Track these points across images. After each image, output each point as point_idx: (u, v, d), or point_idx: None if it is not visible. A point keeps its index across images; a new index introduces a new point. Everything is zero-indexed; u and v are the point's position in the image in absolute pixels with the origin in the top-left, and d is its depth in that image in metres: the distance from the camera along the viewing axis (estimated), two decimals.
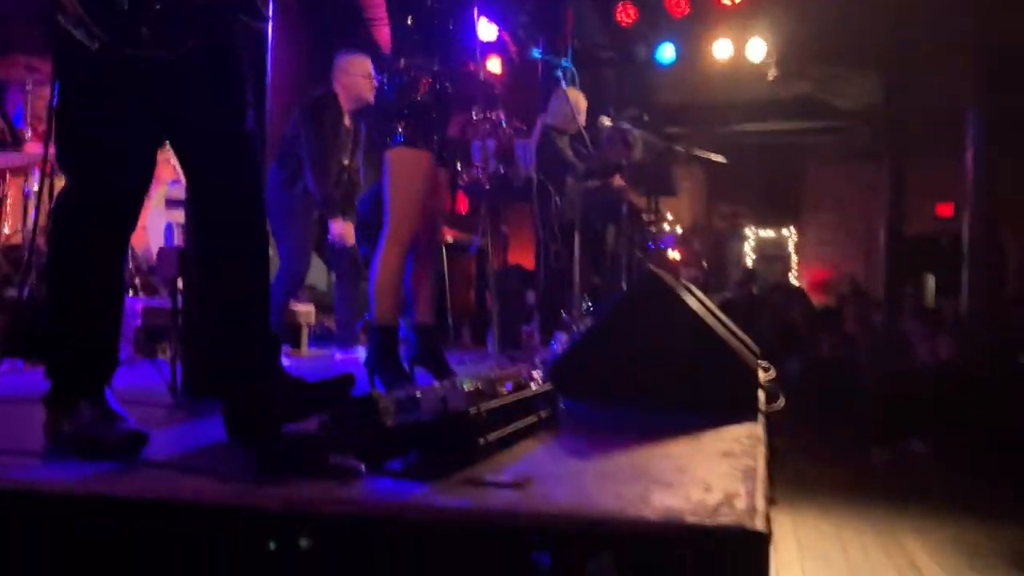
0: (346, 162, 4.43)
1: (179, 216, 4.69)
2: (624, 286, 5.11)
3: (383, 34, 3.17)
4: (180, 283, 2.61)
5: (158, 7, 1.82)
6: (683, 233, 11.95)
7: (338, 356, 4.50)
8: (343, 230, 4.39)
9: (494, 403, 1.84)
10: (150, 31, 1.82)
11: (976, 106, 7.77)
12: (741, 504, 1.40)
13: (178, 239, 4.67)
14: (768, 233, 14.29)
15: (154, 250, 4.60)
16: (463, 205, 6.15)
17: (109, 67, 1.84)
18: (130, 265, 4.11)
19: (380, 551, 1.37)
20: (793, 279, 14.10)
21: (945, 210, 11.76)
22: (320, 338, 6.03)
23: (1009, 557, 4.55)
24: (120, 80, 1.86)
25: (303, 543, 1.37)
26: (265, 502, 1.42)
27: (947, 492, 5.87)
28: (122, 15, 1.79)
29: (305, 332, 5.10)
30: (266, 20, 2.05)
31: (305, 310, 5.18)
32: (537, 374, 2.44)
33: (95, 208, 1.90)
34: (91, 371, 1.91)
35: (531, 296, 6.43)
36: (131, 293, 4.29)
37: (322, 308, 6.26)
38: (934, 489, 6.00)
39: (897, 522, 5.14)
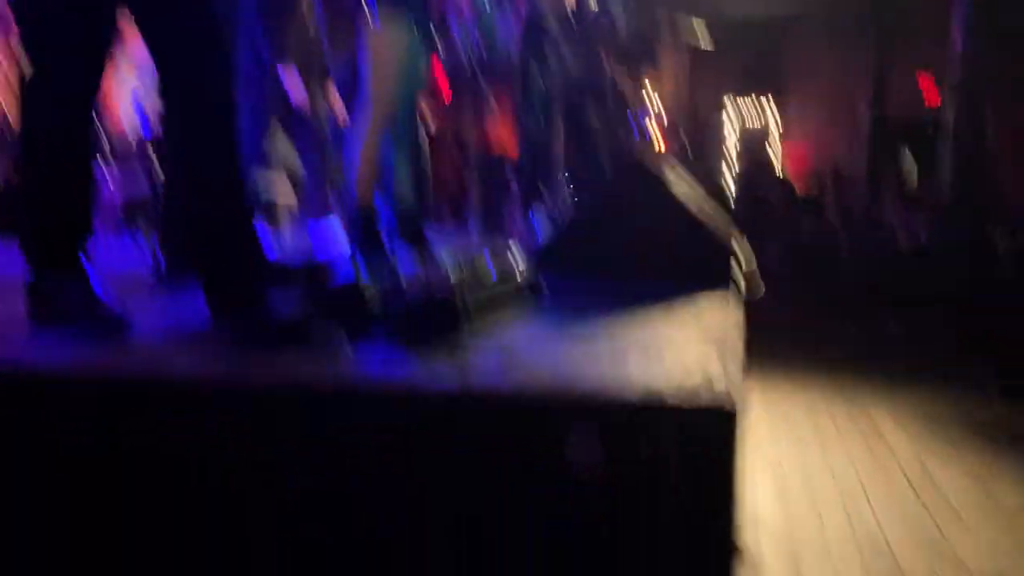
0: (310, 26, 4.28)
1: (155, 103, 4.57)
2: (606, 164, 5.09)
3: None
4: (156, 165, 2.57)
5: None
6: (668, 119, 11.82)
7: (310, 225, 4.45)
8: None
9: (477, 283, 1.86)
10: None
11: None
12: (719, 383, 1.43)
13: (154, 124, 4.56)
14: (749, 106, 14.16)
15: (129, 132, 4.50)
16: (446, 92, 6.04)
17: None
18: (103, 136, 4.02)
19: (368, 428, 1.40)
20: (775, 160, 14.05)
21: (931, 93, 11.65)
22: (298, 217, 5.99)
23: (968, 424, 4.73)
24: None
25: (293, 419, 1.40)
26: (254, 379, 1.44)
27: (917, 368, 6.05)
28: None
29: (283, 210, 5.06)
30: None
31: (283, 187, 5.13)
32: (521, 255, 2.45)
33: (60, 80, 1.86)
34: (69, 247, 1.89)
35: (513, 179, 6.40)
36: (104, 165, 4.19)
37: (297, 184, 6.19)
38: (905, 366, 6.18)
39: (866, 394, 5.31)
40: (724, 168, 12.80)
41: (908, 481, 3.90)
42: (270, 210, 4.88)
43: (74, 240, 1.90)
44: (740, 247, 3.46)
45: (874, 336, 7.19)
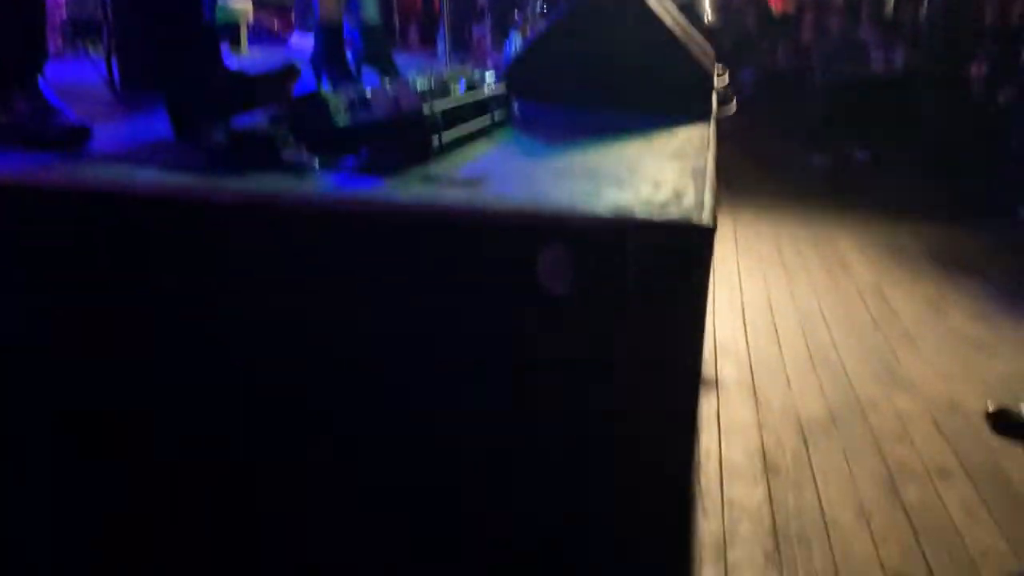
0: None
1: None
2: None
3: None
4: None
5: None
6: None
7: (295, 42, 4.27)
8: None
9: (447, 102, 1.81)
10: None
11: None
12: (689, 200, 1.43)
13: None
14: None
15: None
16: None
17: None
18: None
19: (335, 245, 1.39)
20: None
21: None
22: (259, 36, 5.76)
23: (927, 253, 4.85)
24: None
25: (259, 235, 1.39)
26: (220, 194, 1.42)
27: (883, 197, 6.12)
28: None
29: (244, 30, 4.85)
30: None
31: (243, 7, 4.89)
32: (490, 75, 2.38)
33: None
34: (20, 61, 1.80)
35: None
36: None
37: (260, 4, 5.91)
38: (870, 195, 6.25)
39: (831, 224, 5.39)
40: None
41: (867, 308, 4.03)
42: (233, 31, 4.68)
43: (29, 62, 1.80)
44: (716, 70, 3.40)
45: (842, 164, 7.22)
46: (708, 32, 4.83)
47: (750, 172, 6.69)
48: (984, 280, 4.43)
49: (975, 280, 4.42)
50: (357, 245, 1.40)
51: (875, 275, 4.49)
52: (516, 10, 5.07)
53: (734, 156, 6.89)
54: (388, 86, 1.78)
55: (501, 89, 2.21)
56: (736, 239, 4.97)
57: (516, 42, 4.17)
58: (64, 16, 3.52)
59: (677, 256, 1.33)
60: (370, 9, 3.13)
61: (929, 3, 7.73)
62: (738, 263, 4.57)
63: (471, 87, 2.06)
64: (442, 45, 4.51)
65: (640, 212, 1.36)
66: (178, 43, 1.94)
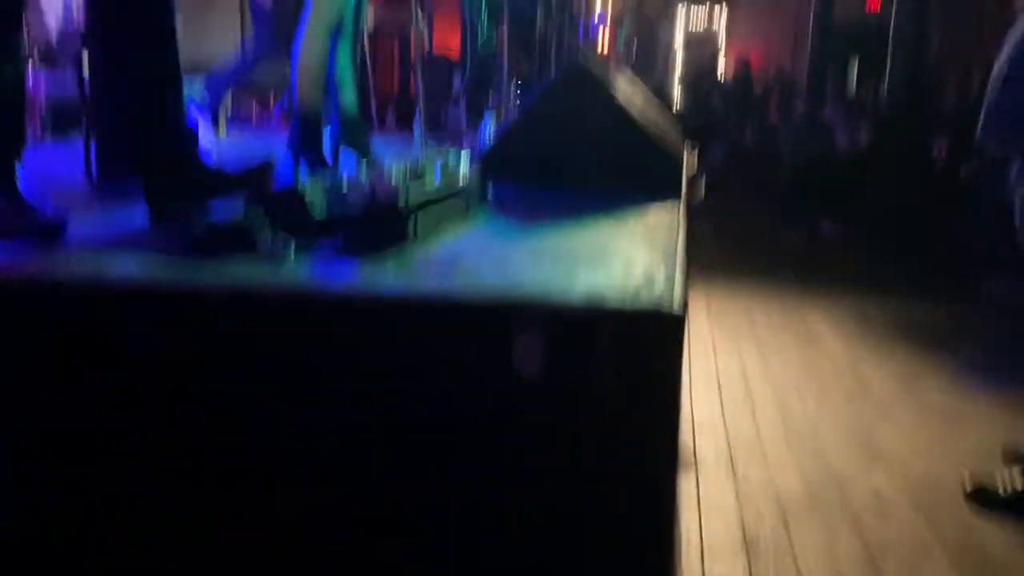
0: None
1: None
2: (553, 70, 5.02)
3: None
4: (86, 60, 2.47)
5: None
6: (613, 16, 11.65)
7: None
8: None
9: (422, 190, 1.84)
10: None
11: None
12: (660, 285, 1.46)
13: (77, 16, 4.34)
14: (699, 14, 14.01)
15: (53, 24, 4.29)
16: None
17: None
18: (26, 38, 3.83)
19: (312, 332, 1.40)
20: (720, 65, 14.02)
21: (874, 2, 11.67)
22: (236, 119, 5.84)
23: (897, 325, 4.92)
24: None
25: (236, 324, 1.40)
26: (197, 282, 1.43)
27: (850, 270, 6.23)
28: None
29: (223, 116, 4.92)
30: None
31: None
32: (465, 156, 2.43)
33: None
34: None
35: (458, 81, 6.28)
36: (31, 67, 4.02)
37: (238, 89, 6.02)
38: (840, 269, 6.35)
39: (803, 298, 5.46)
40: (670, 72, 12.73)
41: (841, 382, 4.06)
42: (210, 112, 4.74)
43: (6, 154, 1.82)
44: (685, 152, 3.48)
45: (812, 238, 7.35)
46: (678, 113, 4.97)
47: (722, 247, 6.79)
48: (955, 352, 4.49)
49: (946, 352, 4.48)
50: (332, 332, 1.41)
51: (847, 348, 4.54)
52: (490, 92, 5.20)
53: (706, 231, 6.99)
54: (364, 174, 1.82)
55: (476, 173, 2.26)
56: (710, 313, 5.02)
57: (491, 124, 4.27)
58: (43, 103, 3.57)
59: (649, 344, 1.35)
60: (348, 95, 3.19)
61: (889, 83, 8.00)
62: (712, 337, 4.61)
63: (446, 173, 2.10)
64: (418, 127, 4.60)
65: (612, 299, 1.39)
66: (154, 135, 1.97)
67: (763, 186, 8.58)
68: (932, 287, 5.72)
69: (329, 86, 3.13)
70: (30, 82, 3.63)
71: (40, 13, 4.48)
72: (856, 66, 11.33)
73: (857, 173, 7.35)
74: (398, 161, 2.15)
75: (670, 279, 1.51)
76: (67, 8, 4.49)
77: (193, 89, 4.60)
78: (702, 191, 3.09)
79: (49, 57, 4.31)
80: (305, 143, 2.95)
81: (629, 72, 6.09)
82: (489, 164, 2.55)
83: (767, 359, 4.34)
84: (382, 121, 6.02)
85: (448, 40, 6.95)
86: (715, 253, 6.49)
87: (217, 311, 1.41)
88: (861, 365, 4.28)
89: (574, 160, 2.64)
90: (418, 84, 5.10)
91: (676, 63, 13.20)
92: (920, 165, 7.19)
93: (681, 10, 13.75)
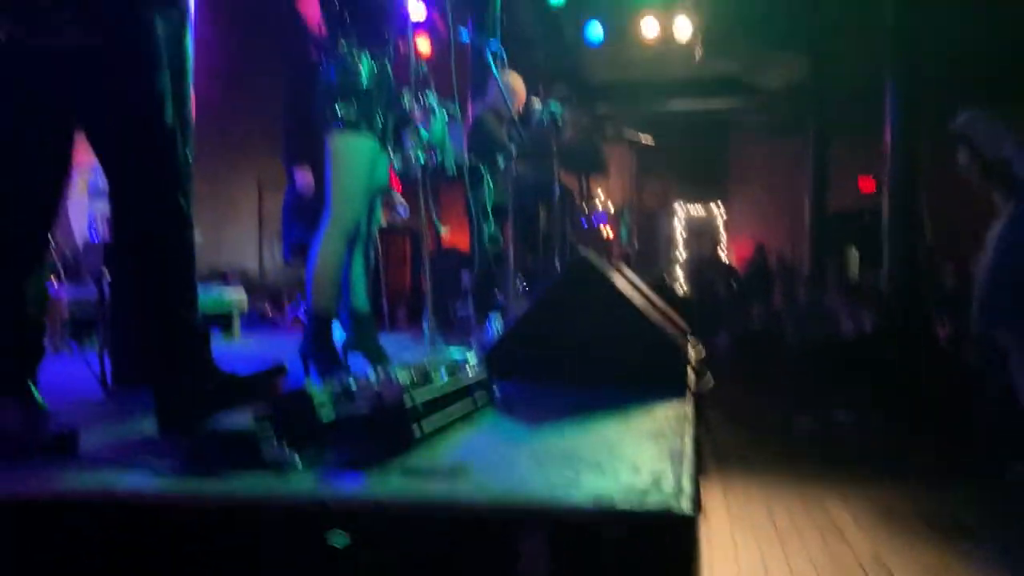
0: None
1: (103, 207, 4.58)
2: (558, 265, 5.17)
3: (309, 9, 3.13)
4: (106, 275, 2.57)
5: None
6: (615, 210, 12.11)
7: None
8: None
9: (429, 392, 1.87)
10: (61, 20, 1.77)
11: (893, 80, 8.00)
12: (669, 487, 1.45)
13: (102, 230, 4.56)
14: (698, 209, 14.53)
15: (78, 239, 4.49)
16: (396, 187, 6.15)
17: (18, 58, 1.78)
18: (53, 254, 4.01)
19: (318, 544, 1.39)
20: (722, 254, 14.38)
21: (867, 185, 12.11)
22: (252, 323, 5.97)
23: (920, 513, 4.77)
24: (31, 71, 1.81)
25: (241, 537, 1.39)
26: (201, 497, 1.43)
27: (868, 458, 6.11)
28: (32, 4, 1.73)
29: (237, 318, 5.05)
30: (182, 10, 2.01)
31: (237, 297, 5.12)
32: (472, 357, 2.47)
33: (13, 202, 1.86)
34: (15, 367, 1.87)
35: (466, 277, 6.45)
36: (55, 281, 4.19)
37: (253, 292, 6.19)
38: (856, 456, 6.24)
39: (822, 488, 5.33)
40: (673, 262, 13.08)
41: None
42: (226, 319, 4.86)
43: (22, 364, 1.88)
44: (690, 343, 3.52)
45: (825, 425, 7.27)
46: (682, 304, 5.06)
47: (736, 436, 6.73)
48: (982, 540, 4.34)
49: (972, 540, 4.33)
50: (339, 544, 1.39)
51: (871, 541, 4.39)
52: (496, 290, 5.33)
53: (718, 421, 6.94)
54: (372, 379, 1.85)
55: (482, 373, 2.29)
56: (728, 507, 4.90)
57: (497, 322, 4.36)
58: (65, 316, 3.68)
59: (661, 546, 1.33)
60: (360, 297, 3.28)
61: (888, 269, 8.17)
62: (731, 531, 4.48)
63: (452, 373, 2.13)
64: (427, 325, 4.69)
65: (620, 502, 1.37)
66: (169, 342, 2.03)
67: (772, 372, 8.59)
68: (952, 472, 5.60)
69: (342, 289, 3.22)
70: (53, 290, 3.77)
71: (68, 229, 4.71)
72: (854, 251, 11.62)
73: (866, 358, 7.38)
74: (406, 362, 2.19)
75: (679, 478, 1.51)
76: (91, 223, 4.72)
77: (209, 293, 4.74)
78: (710, 380, 3.10)
79: (73, 270, 4.48)
80: (317, 345, 3.01)
81: (631, 264, 6.27)
82: (495, 361, 2.59)
83: (789, 553, 4.19)
84: (393, 319, 6.15)
85: (456, 237, 7.21)
86: (729, 443, 6.42)
87: (221, 524, 1.40)
88: (886, 558, 4.13)
89: (579, 355, 2.68)
90: (427, 281, 5.25)
91: (678, 252, 13.57)
92: (926, 348, 7.22)
93: (680, 203, 14.29)
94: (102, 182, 4.62)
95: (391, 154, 3.29)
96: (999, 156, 3.88)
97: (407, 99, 3.22)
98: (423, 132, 3.46)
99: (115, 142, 1.97)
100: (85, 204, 4.74)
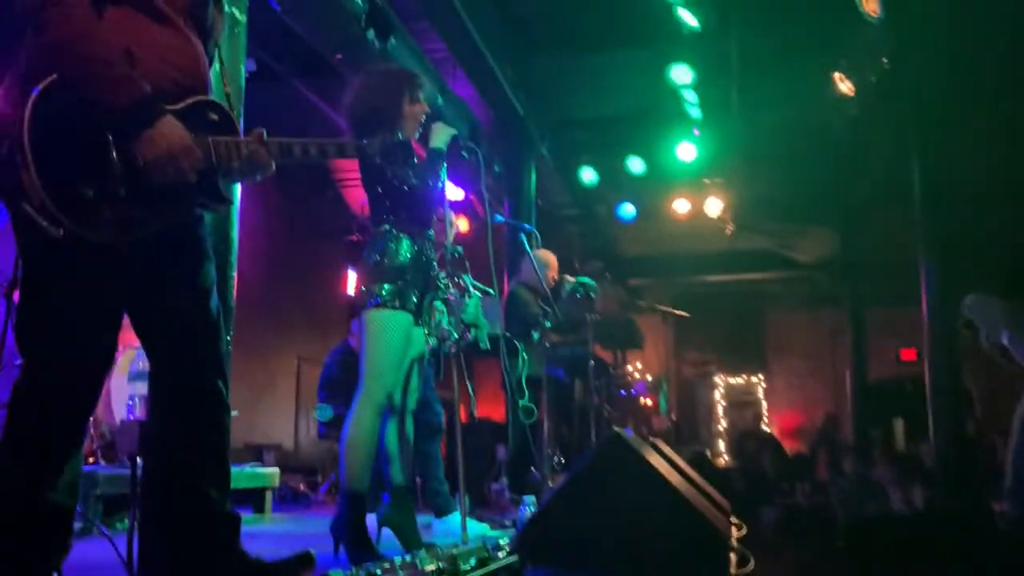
0: None
1: (142, 389, 4.66)
2: (593, 439, 5.10)
3: (352, 194, 3.27)
4: (140, 457, 2.58)
5: (122, 193, 1.85)
6: (652, 381, 12.05)
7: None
8: None
9: None
10: (114, 217, 1.83)
11: (927, 255, 8.05)
12: None
13: (140, 412, 4.62)
14: (737, 380, 14.39)
15: (117, 417, 4.55)
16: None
17: (72, 253, 1.83)
18: (91, 432, 4.06)
19: None
20: (764, 426, 14.10)
21: (908, 355, 11.96)
22: (284, 500, 5.90)
23: None
24: (83, 266, 1.87)
25: None
26: None
27: None
28: (86, 202, 1.80)
29: (269, 495, 5.00)
30: (229, 202, 2.11)
31: (270, 471, 5.09)
32: (504, 539, 2.41)
33: (55, 392, 1.89)
34: (40, 559, 1.85)
35: (500, 451, 6.38)
36: (91, 461, 4.22)
37: (286, 468, 6.15)
38: None
39: None
40: (715, 434, 12.87)
41: None
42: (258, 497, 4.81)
43: (46, 557, 1.86)
44: (732, 522, 3.40)
45: None
46: (722, 478, 4.93)
47: None
48: None
49: None
50: None
51: None
52: (532, 466, 5.24)
53: None
54: (396, 566, 1.81)
55: (513, 558, 2.22)
56: None
57: (531, 503, 4.26)
58: (97, 492, 3.66)
59: None
60: (397, 470, 3.22)
61: (936, 443, 7.93)
62: None
63: (482, 560, 2.08)
64: (460, 502, 4.60)
65: None
66: (198, 526, 2.00)
67: (821, 551, 8.21)
68: None
69: (382, 462, 3.19)
70: (87, 467, 3.78)
71: (108, 407, 4.77)
72: (900, 423, 11.33)
73: (918, 535, 7.04)
74: (434, 551, 2.14)
75: None
76: (131, 403, 4.78)
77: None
78: (752, 564, 2.96)
79: (108, 451, 4.51)
80: (349, 524, 2.95)
81: (671, 435, 6.15)
82: (527, 544, 2.51)
83: None
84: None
85: (490, 409, 7.18)
86: None
87: None
88: None
89: (615, 538, 2.58)
90: (461, 456, 5.20)
91: (719, 426, 13.33)
92: (983, 527, 6.89)
93: (719, 375, 14.18)
94: (143, 364, 4.73)
95: (426, 331, 3.34)
96: (998, 342, 3.90)
97: (442, 279, 3.30)
98: (451, 311, 3.51)
99: (161, 329, 2.03)
100: (124, 383, 4.82)
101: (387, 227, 3.11)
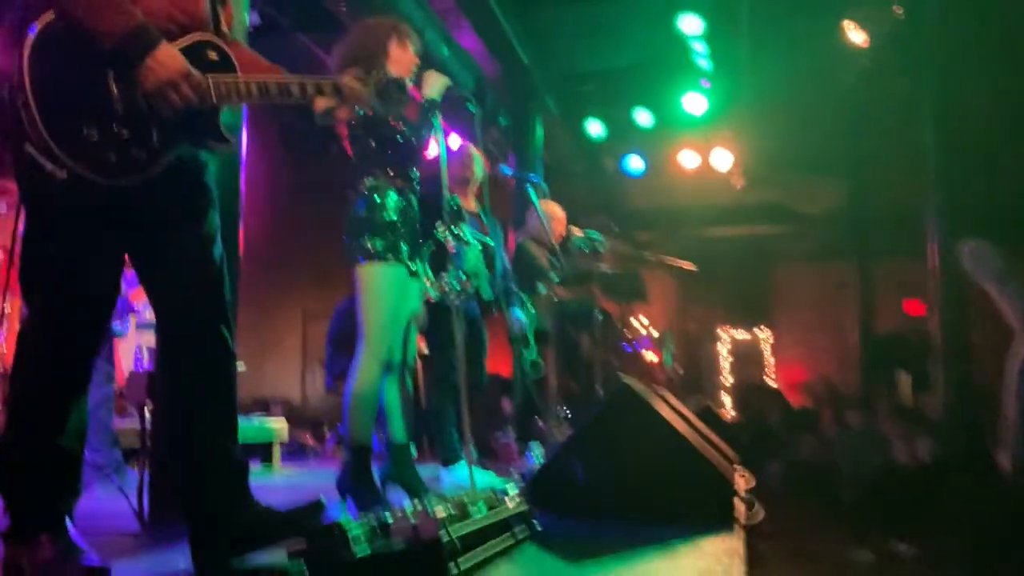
0: None
1: (150, 339, 4.66)
2: (600, 392, 5.11)
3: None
4: (149, 407, 2.58)
5: (125, 134, 1.83)
6: (658, 336, 12.06)
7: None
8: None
9: (467, 526, 1.82)
10: (117, 158, 1.82)
11: (936, 205, 7.98)
12: None
13: (147, 362, 4.63)
14: (742, 335, 14.40)
15: (124, 371, 4.56)
16: None
17: (75, 195, 1.82)
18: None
19: None
20: (769, 380, 14.14)
21: (914, 307, 11.93)
22: (293, 453, 5.94)
23: None
24: (86, 208, 1.86)
25: None
26: None
27: None
28: (90, 142, 1.79)
29: (277, 448, 5.03)
30: (231, 143, 2.08)
31: (277, 426, 5.12)
32: (513, 488, 2.41)
33: (60, 337, 1.88)
34: (51, 503, 1.86)
35: (507, 404, 6.40)
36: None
37: (294, 422, 6.19)
38: None
39: None
40: (719, 388, 12.92)
41: None
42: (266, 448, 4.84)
43: (58, 500, 1.87)
44: (739, 473, 3.41)
45: (885, 560, 6.92)
46: (728, 430, 4.93)
47: (791, 572, 6.43)
48: None
49: None
50: None
51: None
52: (537, 417, 5.26)
53: (771, 555, 6.65)
54: (408, 512, 1.81)
55: (522, 505, 2.23)
56: None
57: (538, 450, 4.28)
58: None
59: None
60: (397, 427, 3.24)
61: (944, 396, 7.94)
62: None
63: (491, 506, 2.08)
64: (467, 454, 4.62)
65: None
66: (207, 473, 2.01)
67: (825, 503, 8.27)
68: None
69: (380, 417, 3.19)
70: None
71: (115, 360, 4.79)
72: (906, 375, 11.34)
73: (924, 487, 7.08)
74: (444, 494, 2.14)
75: None
76: (137, 354, 4.79)
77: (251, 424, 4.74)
78: (760, 511, 2.98)
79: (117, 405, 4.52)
80: (354, 478, 2.96)
81: (676, 389, 6.17)
82: (536, 493, 2.53)
83: None
84: (433, 446, 6.08)
85: (497, 364, 7.19)
86: None
87: None
88: None
89: (623, 486, 2.60)
90: (463, 410, 5.21)
91: (723, 378, 13.37)
92: (989, 479, 6.92)
93: (724, 328, 14.18)
94: (149, 315, 4.73)
95: (426, 283, 3.33)
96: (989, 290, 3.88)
97: (440, 230, 3.27)
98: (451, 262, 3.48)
99: (164, 276, 2.02)
100: (132, 336, 4.83)
101: (372, 180, 3.07)
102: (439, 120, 3.19)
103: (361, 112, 3.02)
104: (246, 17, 3.08)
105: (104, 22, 1.79)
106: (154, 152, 1.88)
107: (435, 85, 3.20)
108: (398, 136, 3.10)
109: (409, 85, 2.90)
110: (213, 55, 1.99)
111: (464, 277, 3.28)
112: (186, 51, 1.92)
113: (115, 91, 1.82)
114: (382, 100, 2.36)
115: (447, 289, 3.24)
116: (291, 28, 6.45)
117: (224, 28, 2.09)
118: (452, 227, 3.28)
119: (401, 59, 3.14)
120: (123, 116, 1.83)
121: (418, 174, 3.24)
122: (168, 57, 1.85)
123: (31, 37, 1.77)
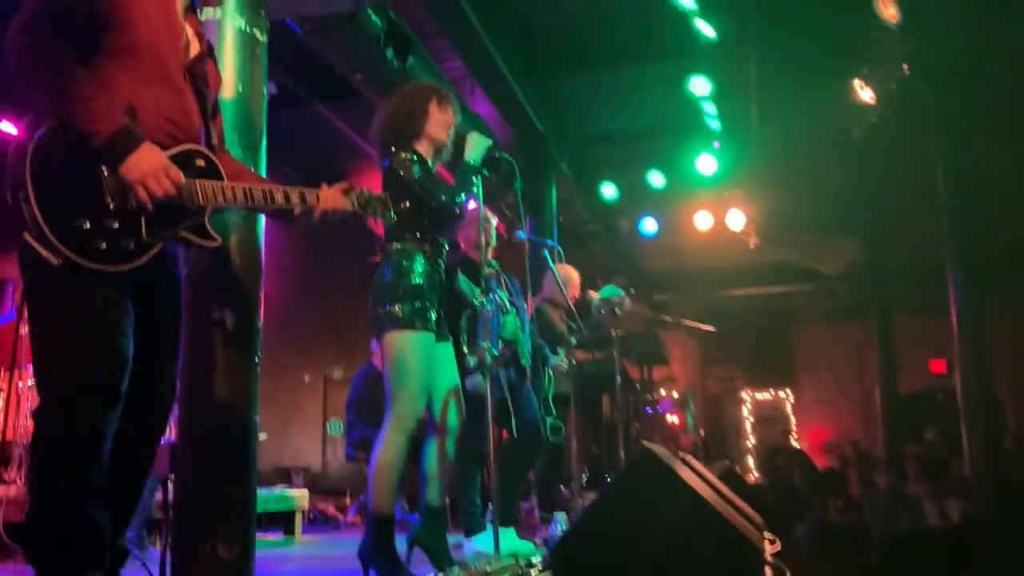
0: None
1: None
2: (622, 455, 5.06)
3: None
4: (171, 479, 2.59)
5: (115, 226, 1.98)
6: (679, 398, 11.96)
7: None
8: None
9: None
10: (108, 247, 1.96)
11: (954, 262, 7.94)
12: None
13: (171, 434, 4.62)
14: (764, 395, 14.26)
15: None
16: None
17: (71, 281, 1.94)
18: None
19: None
20: (793, 441, 13.95)
21: (938, 366, 11.81)
22: (314, 522, 5.89)
23: None
24: (82, 292, 1.96)
25: None
26: None
27: None
28: (82, 232, 1.93)
29: (299, 518, 4.99)
30: (217, 241, 2.22)
31: (298, 494, 5.09)
32: (536, 557, 2.38)
33: (73, 422, 1.93)
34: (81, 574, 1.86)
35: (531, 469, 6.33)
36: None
37: (315, 490, 6.15)
38: None
39: None
40: (743, 451, 12.76)
41: None
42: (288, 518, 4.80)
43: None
44: (765, 537, 3.35)
45: None
46: (754, 494, 4.86)
47: None
48: None
49: None
50: None
51: None
52: (562, 484, 5.20)
53: None
54: None
55: (545, 568, 2.19)
56: None
57: (561, 520, 4.22)
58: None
59: None
60: (434, 492, 3.15)
61: (971, 456, 7.80)
62: None
63: (515, 571, 2.05)
64: (491, 514, 4.58)
65: None
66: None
67: (855, 567, 8.08)
68: None
69: (420, 481, 3.14)
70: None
71: None
72: (934, 433, 11.15)
73: (957, 551, 6.91)
74: (466, 563, 2.12)
75: None
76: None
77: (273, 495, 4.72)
78: (786, 572, 2.91)
79: None
80: (376, 548, 2.92)
81: (698, 452, 6.09)
82: (559, 562, 2.48)
83: None
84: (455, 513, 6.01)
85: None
86: None
87: None
88: None
89: (648, 553, 2.55)
90: (491, 475, 5.16)
91: (748, 442, 13.21)
92: (1021, 539, 6.75)
93: (748, 397, 14.06)
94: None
95: (464, 351, 3.30)
96: None
97: (478, 296, 3.27)
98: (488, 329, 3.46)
99: (146, 361, 2.09)
100: None
101: (399, 245, 3.08)
102: (480, 183, 3.22)
103: (402, 172, 3.06)
104: (264, 88, 3.15)
105: (95, 124, 1.96)
106: (142, 243, 2.02)
107: (477, 147, 3.23)
108: (433, 201, 3.11)
109: (417, 174, 2.98)
110: (200, 162, 2.18)
111: (502, 344, 3.25)
112: (175, 157, 2.10)
113: (106, 186, 1.99)
114: (365, 213, 2.50)
115: (485, 357, 3.19)
116: (308, 98, 6.60)
117: (214, 141, 2.29)
118: (491, 294, 3.28)
119: (441, 118, 3.21)
120: (114, 209, 1.99)
121: (448, 238, 3.24)
122: (150, 152, 2.02)
123: (36, 136, 1.96)
